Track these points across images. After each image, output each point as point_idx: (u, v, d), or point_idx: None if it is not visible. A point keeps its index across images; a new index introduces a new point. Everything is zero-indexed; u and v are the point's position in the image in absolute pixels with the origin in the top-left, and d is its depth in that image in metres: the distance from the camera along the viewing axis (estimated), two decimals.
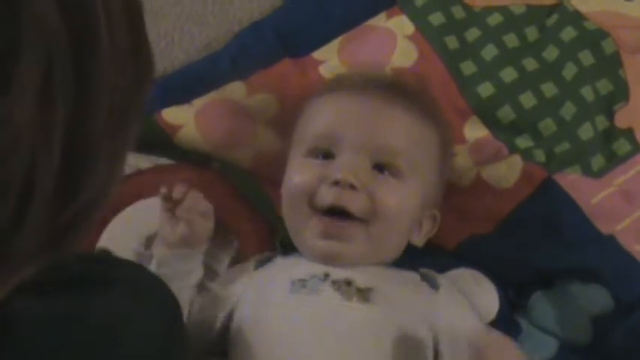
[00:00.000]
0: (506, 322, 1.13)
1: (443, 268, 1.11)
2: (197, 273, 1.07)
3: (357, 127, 1.07)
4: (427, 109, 1.14)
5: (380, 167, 1.07)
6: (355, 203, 1.04)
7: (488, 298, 1.10)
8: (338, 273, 1.03)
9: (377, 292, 1.02)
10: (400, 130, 1.09)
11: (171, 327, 0.86)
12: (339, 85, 1.16)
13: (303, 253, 1.08)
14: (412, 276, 1.07)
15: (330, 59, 1.32)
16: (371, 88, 1.12)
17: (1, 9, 0.42)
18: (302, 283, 1.03)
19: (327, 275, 1.03)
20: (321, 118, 1.11)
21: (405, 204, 1.06)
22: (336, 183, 1.04)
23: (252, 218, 1.22)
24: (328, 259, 1.05)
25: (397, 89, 1.13)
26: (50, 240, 0.48)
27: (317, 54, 1.33)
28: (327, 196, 1.04)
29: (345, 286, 1.02)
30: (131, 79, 0.49)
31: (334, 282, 1.03)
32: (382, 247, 1.06)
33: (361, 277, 1.03)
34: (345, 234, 1.04)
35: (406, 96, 1.12)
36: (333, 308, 1.01)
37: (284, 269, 1.06)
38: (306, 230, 1.06)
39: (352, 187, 1.04)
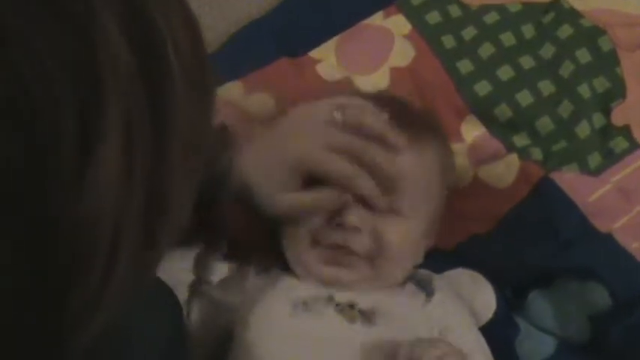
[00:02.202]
0: (504, 322, 1.13)
1: (442, 269, 1.11)
2: (189, 274, 1.06)
3: None
4: (431, 136, 1.11)
5: (382, 206, 1.04)
6: (359, 244, 1.03)
7: (485, 298, 1.10)
8: (341, 296, 1.02)
9: (380, 313, 1.01)
10: (402, 169, 1.05)
11: (174, 330, 0.86)
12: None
13: (303, 277, 1.05)
14: (410, 288, 1.06)
15: (327, 58, 1.32)
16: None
17: (80, 56, 0.41)
18: (305, 305, 1.02)
19: (330, 298, 1.02)
20: None
21: (407, 240, 1.05)
22: (341, 225, 1.03)
23: (251, 223, 1.21)
24: (332, 284, 1.03)
25: (398, 122, 1.08)
26: (137, 274, 0.48)
27: (314, 53, 1.33)
28: (330, 237, 1.03)
29: (348, 309, 1.01)
30: (200, 113, 0.48)
31: (337, 305, 1.02)
32: (386, 278, 1.05)
33: (364, 299, 1.02)
34: (349, 262, 1.03)
35: (408, 128, 1.07)
36: (336, 331, 1.00)
37: (286, 288, 1.04)
38: (308, 258, 1.05)
39: (356, 228, 1.03)
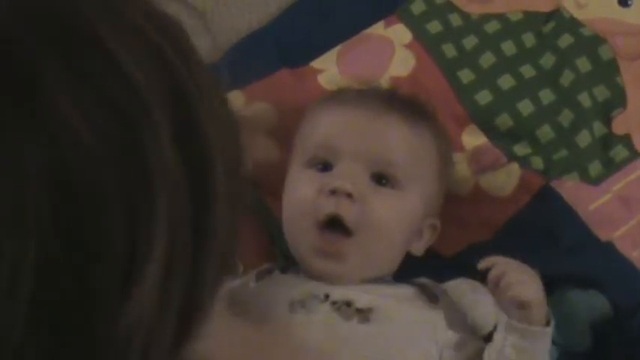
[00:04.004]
0: None
1: (441, 278, 1.11)
2: None
3: (355, 138, 1.08)
4: (425, 119, 1.14)
5: (378, 178, 1.07)
6: (351, 212, 1.04)
7: (486, 308, 1.10)
8: (338, 293, 1.04)
9: (377, 311, 1.02)
10: (398, 141, 1.09)
11: None
12: (337, 96, 1.16)
13: (301, 267, 1.08)
14: (411, 290, 1.07)
15: (328, 68, 1.32)
16: (369, 100, 1.13)
17: (131, 158, 0.40)
18: (301, 303, 1.03)
19: (327, 296, 1.04)
20: (319, 129, 1.11)
21: (400, 215, 1.07)
22: (334, 192, 1.04)
23: (252, 228, 1.22)
24: (324, 276, 1.05)
25: (395, 100, 1.14)
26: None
27: (315, 63, 1.33)
28: (324, 205, 1.05)
29: (344, 307, 1.02)
30: (234, 223, 0.48)
31: (334, 303, 1.03)
32: (377, 259, 1.07)
33: (361, 297, 1.04)
34: (339, 251, 1.05)
35: (404, 107, 1.13)
36: (332, 329, 1.01)
37: (284, 288, 1.06)
38: (304, 246, 1.07)
39: (349, 195, 1.04)
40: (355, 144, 1.08)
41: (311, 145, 1.10)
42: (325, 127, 1.11)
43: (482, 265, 1.03)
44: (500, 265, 1.02)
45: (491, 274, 1.01)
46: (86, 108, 0.39)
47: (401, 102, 1.14)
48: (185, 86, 0.43)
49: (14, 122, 0.37)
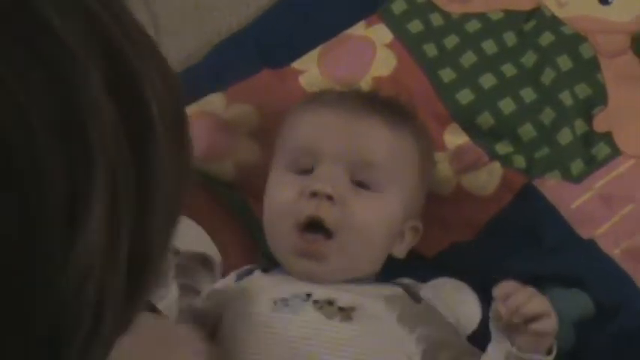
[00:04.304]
0: (489, 330, 1.13)
1: (424, 278, 1.11)
2: (174, 290, 1.07)
3: (335, 140, 1.08)
4: (406, 120, 1.14)
5: (359, 181, 1.07)
6: (331, 215, 1.04)
7: (470, 307, 1.10)
8: (320, 293, 1.04)
9: (359, 310, 1.03)
10: (378, 143, 1.09)
11: None
12: (318, 98, 1.16)
13: (283, 268, 1.08)
14: (395, 290, 1.07)
15: (309, 69, 1.32)
16: (349, 102, 1.13)
17: (66, 115, 0.41)
18: (284, 302, 1.03)
19: (309, 295, 1.04)
20: (299, 132, 1.11)
21: (380, 217, 1.07)
22: (314, 194, 1.05)
23: (234, 230, 1.22)
24: (306, 277, 1.05)
25: (375, 102, 1.14)
26: (119, 329, 0.47)
27: (297, 64, 1.33)
28: (305, 207, 1.05)
29: (327, 306, 1.03)
30: (179, 173, 0.49)
31: (316, 302, 1.03)
32: (358, 261, 1.07)
33: (343, 296, 1.04)
34: (320, 252, 1.05)
35: (384, 109, 1.13)
36: (315, 328, 1.01)
37: (266, 288, 1.07)
38: (285, 247, 1.07)
39: (329, 198, 1.04)
40: (335, 146, 1.08)
41: (291, 148, 1.10)
42: (305, 130, 1.11)
43: (499, 292, 1.00)
44: (521, 293, 1.00)
45: (511, 304, 0.99)
46: (19, 67, 0.40)
47: (381, 104, 1.14)
48: (112, 35, 0.44)
49: None
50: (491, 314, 1.02)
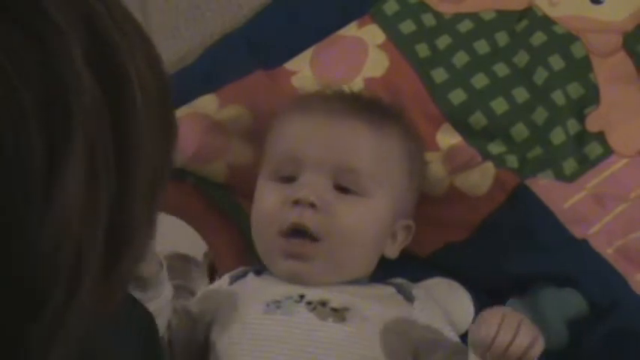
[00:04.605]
0: None
1: (417, 278, 1.11)
2: (167, 291, 1.07)
3: (317, 147, 1.08)
4: (391, 120, 1.14)
5: (342, 185, 1.07)
6: (314, 222, 1.05)
7: (463, 307, 1.11)
8: (313, 294, 1.04)
9: (353, 311, 1.03)
10: (361, 147, 1.09)
11: (146, 344, 0.86)
12: (301, 104, 1.16)
13: (273, 273, 1.08)
14: (388, 290, 1.07)
15: (302, 70, 1.32)
16: (332, 106, 1.13)
17: (47, 81, 0.42)
18: (277, 304, 1.03)
19: (302, 296, 1.04)
20: (282, 140, 1.11)
21: (366, 221, 1.07)
22: (297, 202, 1.05)
23: (228, 232, 1.22)
24: (293, 278, 1.06)
25: (359, 104, 1.14)
26: (98, 303, 0.48)
27: (289, 65, 1.33)
28: (288, 215, 1.05)
29: (320, 307, 1.03)
30: (163, 143, 0.50)
31: (309, 303, 1.03)
32: (346, 265, 1.07)
33: (336, 297, 1.04)
34: (306, 253, 1.05)
35: (368, 109, 1.13)
36: (308, 329, 1.01)
37: (259, 290, 1.07)
38: (272, 250, 1.08)
39: (312, 205, 1.05)
40: (318, 153, 1.08)
41: (275, 156, 1.11)
42: (288, 139, 1.11)
43: (482, 333, 0.97)
44: (504, 330, 0.96)
45: (498, 346, 0.95)
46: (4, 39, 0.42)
47: (365, 105, 1.14)
48: (95, 11, 0.47)
49: None
50: (470, 344, 0.99)
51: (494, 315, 0.98)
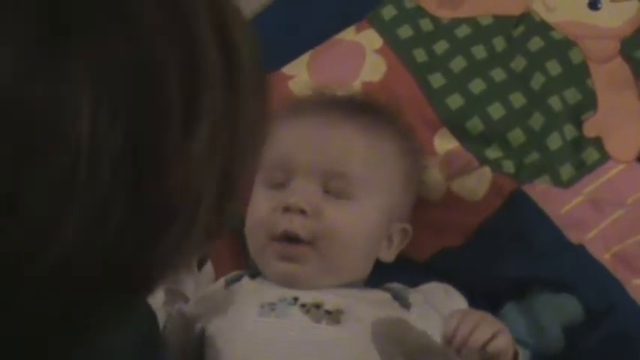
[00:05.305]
0: None
1: (414, 282, 1.11)
2: (157, 297, 1.07)
3: (307, 153, 1.08)
4: (385, 123, 1.14)
5: (333, 190, 1.07)
6: (305, 228, 1.05)
7: None
8: (307, 296, 1.04)
9: (347, 314, 1.02)
10: (351, 152, 1.09)
11: (146, 338, 0.86)
12: (293, 109, 1.16)
13: (267, 277, 1.08)
14: (383, 295, 1.07)
15: (299, 74, 1.32)
16: (323, 111, 1.12)
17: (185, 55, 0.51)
18: (271, 306, 1.03)
19: (296, 299, 1.04)
20: (272, 147, 1.11)
21: (358, 225, 1.07)
22: (287, 209, 1.05)
23: (226, 236, 1.22)
24: (287, 280, 1.06)
25: (351, 108, 1.13)
26: (207, 232, 0.56)
27: (286, 69, 1.33)
28: (279, 222, 1.06)
29: (314, 309, 1.03)
30: (259, 104, 0.59)
31: (303, 305, 1.03)
32: (339, 268, 1.07)
33: (331, 299, 1.04)
34: (298, 255, 1.05)
35: (360, 113, 1.12)
36: (302, 331, 1.01)
37: (253, 292, 1.07)
38: (266, 255, 1.08)
39: (302, 212, 1.05)
40: (308, 159, 1.08)
41: (267, 163, 1.11)
42: (279, 145, 1.11)
43: (444, 332, 1.03)
44: (464, 325, 1.02)
45: (458, 340, 1.02)
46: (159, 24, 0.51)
47: (357, 109, 1.14)
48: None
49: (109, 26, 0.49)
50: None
51: (457, 314, 1.04)
